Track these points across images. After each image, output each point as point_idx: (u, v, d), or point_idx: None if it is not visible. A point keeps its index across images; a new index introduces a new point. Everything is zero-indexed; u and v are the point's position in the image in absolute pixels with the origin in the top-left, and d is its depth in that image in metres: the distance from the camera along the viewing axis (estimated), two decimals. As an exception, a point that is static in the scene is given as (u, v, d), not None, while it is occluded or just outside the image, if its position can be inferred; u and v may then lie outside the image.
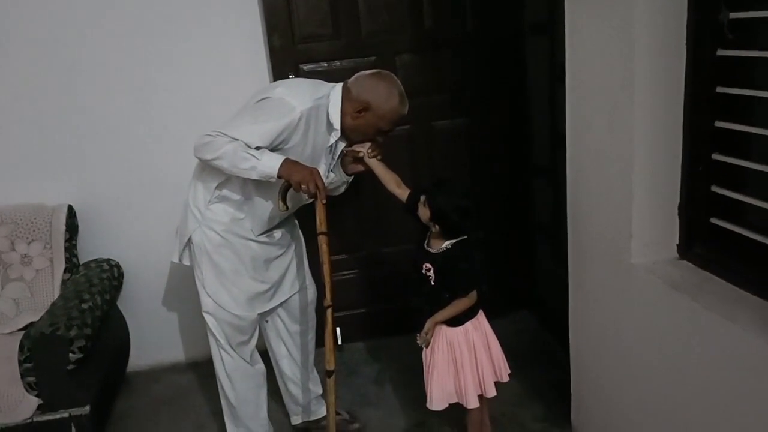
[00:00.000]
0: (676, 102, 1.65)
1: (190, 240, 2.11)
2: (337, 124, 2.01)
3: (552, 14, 2.58)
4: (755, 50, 1.49)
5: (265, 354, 2.37)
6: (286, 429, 2.50)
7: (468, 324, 2.00)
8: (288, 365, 2.36)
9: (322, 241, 1.93)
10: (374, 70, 2.09)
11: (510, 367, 2.09)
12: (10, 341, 2.40)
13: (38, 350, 2.20)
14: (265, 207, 2.06)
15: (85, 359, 2.25)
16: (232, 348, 2.17)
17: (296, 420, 2.47)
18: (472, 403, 2.00)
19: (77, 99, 2.74)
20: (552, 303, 2.94)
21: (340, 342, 2.98)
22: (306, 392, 2.41)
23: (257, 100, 1.99)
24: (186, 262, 2.18)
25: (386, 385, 2.73)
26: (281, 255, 2.21)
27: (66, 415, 2.28)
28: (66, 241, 2.67)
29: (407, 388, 2.65)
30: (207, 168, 2.02)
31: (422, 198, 1.97)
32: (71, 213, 2.71)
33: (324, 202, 1.91)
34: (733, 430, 1.45)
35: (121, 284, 2.80)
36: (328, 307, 1.91)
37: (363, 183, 2.88)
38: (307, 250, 2.35)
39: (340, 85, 2.04)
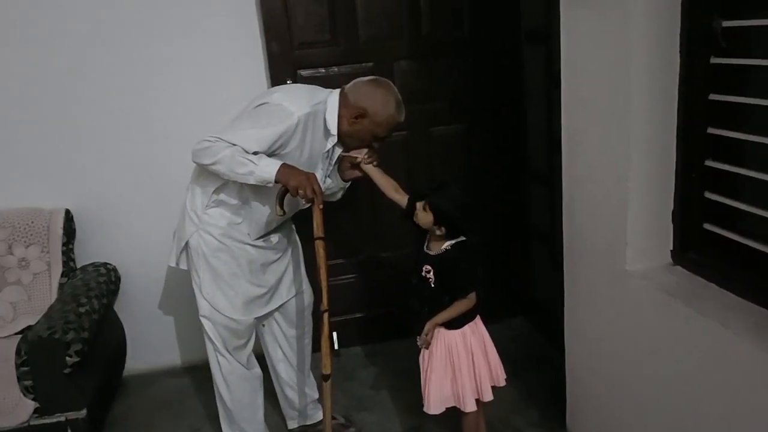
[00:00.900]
0: (670, 109, 1.67)
1: (187, 244, 2.11)
2: (334, 130, 2.03)
3: (548, 22, 2.60)
4: (748, 58, 1.50)
5: (261, 358, 2.38)
6: (283, 433, 2.51)
7: (466, 327, 2.01)
8: (284, 369, 2.37)
9: (319, 246, 1.94)
10: (372, 77, 2.10)
11: (506, 372, 2.10)
12: (7, 345, 2.40)
13: (35, 354, 2.21)
14: (263, 211, 2.07)
15: (81, 363, 2.26)
16: (228, 352, 2.17)
17: (292, 424, 2.47)
18: (470, 406, 2.01)
19: (76, 103, 2.74)
20: (548, 308, 2.96)
21: (336, 346, 2.99)
22: (302, 396, 2.41)
23: (255, 106, 2.00)
24: (183, 266, 2.19)
25: (382, 390, 2.74)
26: (278, 259, 2.21)
27: (62, 418, 2.28)
28: (63, 244, 2.68)
29: (403, 392, 2.65)
30: (204, 172, 2.03)
31: (422, 203, 1.97)
32: (69, 217, 2.72)
33: (321, 207, 1.92)
34: (726, 435, 1.46)
35: (118, 288, 2.81)
36: (325, 311, 1.91)
37: (359, 188, 2.90)
38: (303, 255, 2.36)
39: (337, 91, 2.06)
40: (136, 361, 2.97)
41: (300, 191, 1.87)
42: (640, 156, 1.70)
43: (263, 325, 2.32)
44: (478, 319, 2.05)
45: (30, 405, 2.26)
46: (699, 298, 1.58)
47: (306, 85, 2.22)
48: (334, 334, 2.98)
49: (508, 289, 3.13)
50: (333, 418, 2.15)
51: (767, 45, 1.47)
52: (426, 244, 2.04)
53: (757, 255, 1.50)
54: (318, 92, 2.07)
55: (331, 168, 2.16)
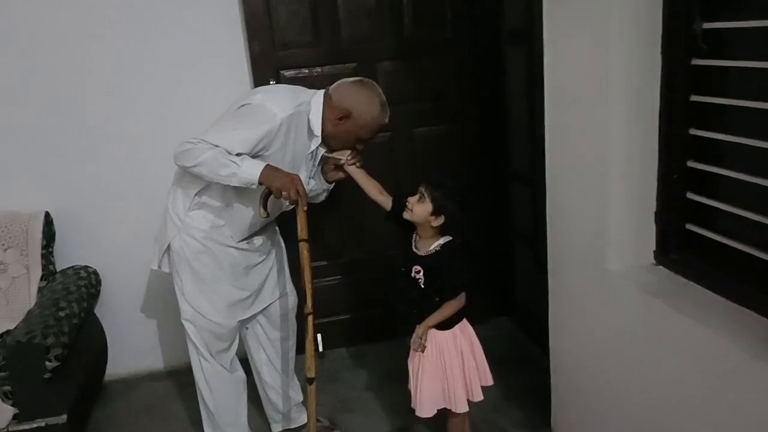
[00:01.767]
0: (652, 110, 1.68)
1: (169, 247, 2.09)
2: (318, 131, 2.02)
3: (530, 22, 2.61)
4: (729, 60, 1.52)
5: (245, 361, 2.36)
6: (267, 437, 2.49)
7: (456, 328, 2.01)
8: (268, 372, 2.35)
9: (303, 248, 1.92)
10: (356, 78, 2.09)
11: (491, 372, 2.10)
12: (-15, 350, 2.36)
13: (14, 358, 2.17)
14: (245, 214, 2.06)
15: (61, 368, 2.22)
16: (211, 355, 2.15)
17: (276, 428, 2.45)
18: (462, 407, 2.02)
19: (54, 105, 2.71)
20: (531, 308, 2.97)
21: (321, 349, 2.97)
22: (286, 400, 2.40)
23: (238, 107, 1.99)
24: (165, 269, 2.17)
25: (367, 391, 2.73)
26: (261, 262, 2.20)
27: (42, 424, 2.24)
28: (42, 248, 2.64)
29: (389, 394, 2.65)
30: (187, 175, 2.01)
31: (416, 195, 1.96)
32: (48, 220, 2.68)
33: (305, 208, 1.91)
34: (708, 433, 1.47)
35: (98, 291, 2.77)
36: (309, 314, 1.90)
37: (344, 190, 2.89)
38: (287, 257, 2.34)
39: (321, 92, 2.05)
40: (117, 366, 2.94)
41: (284, 193, 1.86)
42: (622, 156, 1.71)
43: (247, 328, 2.30)
44: (465, 320, 2.05)
45: (9, 411, 2.22)
46: (680, 297, 1.60)
47: (289, 86, 2.20)
48: (319, 336, 2.96)
49: (491, 288, 3.13)
50: (317, 420, 2.14)
51: (747, 46, 1.49)
52: (414, 244, 2.03)
53: (738, 255, 1.52)
54: (302, 93, 2.05)
55: (315, 169, 2.15)
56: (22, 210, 2.67)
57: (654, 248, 1.77)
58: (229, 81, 2.73)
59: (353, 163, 2.10)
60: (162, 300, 2.93)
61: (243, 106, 1.97)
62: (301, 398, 2.43)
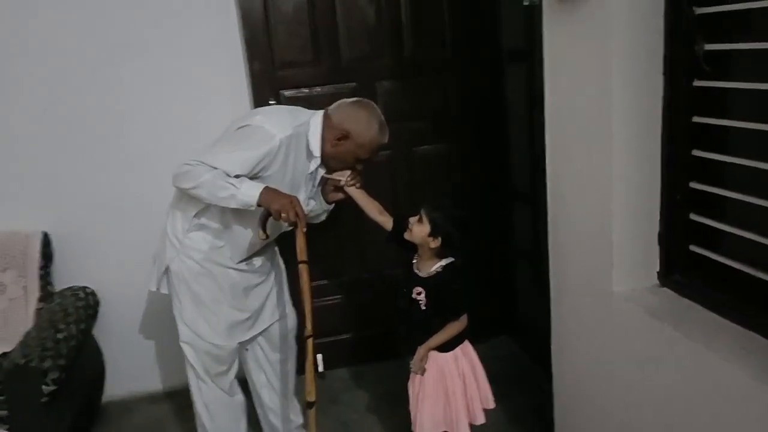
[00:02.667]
0: (654, 131, 1.67)
1: (168, 269, 2.07)
2: (317, 152, 2.01)
3: (529, 41, 2.61)
4: (731, 81, 1.51)
5: (244, 382, 2.33)
6: (266, 460, 2.45)
7: (457, 349, 1.99)
8: (268, 395, 2.33)
9: (303, 270, 1.91)
10: (355, 99, 2.09)
11: (492, 393, 2.08)
12: (-19, 373, 2.33)
13: (11, 382, 2.15)
14: (245, 235, 2.04)
15: (59, 391, 2.20)
16: (210, 378, 2.13)
17: (276, 451, 2.42)
18: (464, 430, 1.99)
19: (52, 125, 2.70)
20: (532, 327, 2.95)
21: (321, 369, 2.95)
22: (286, 422, 2.37)
23: (236, 128, 1.98)
24: (164, 290, 2.15)
25: (368, 413, 2.70)
26: (261, 283, 2.18)
27: (39, 449, 2.22)
28: (41, 268, 2.62)
29: (390, 416, 2.62)
30: (185, 196, 2.00)
31: (416, 216, 1.95)
32: (46, 240, 2.66)
33: (304, 230, 1.89)
34: (715, 459, 1.45)
35: (96, 313, 2.75)
36: (309, 337, 1.88)
37: (343, 208, 2.87)
38: (287, 278, 2.32)
39: (320, 113, 2.04)
40: (115, 387, 2.91)
41: (283, 215, 1.84)
42: (625, 177, 1.70)
43: (246, 350, 2.28)
44: (466, 341, 2.03)
45: (5, 436, 2.19)
46: (685, 320, 1.58)
47: (288, 107, 2.20)
48: (319, 357, 2.93)
49: (492, 307, 3.11)
50: (318, 444, 2.11)
51: (750, 68, 1.48)
52: (415, 265, 2.01)
53: (743, 277, 1.50)
54: (300, 114, 2.05)
55: (314, 190, 2.14)
56: (20, 230, 2.65)
57: (658, 270, 1.76)
58: (229, 100, 2.73)
59: (352, 185, 2.10)
60: (160, 321, 2.90)
61: (242, 127, 1.97)
62: (301, 420, 2.40)
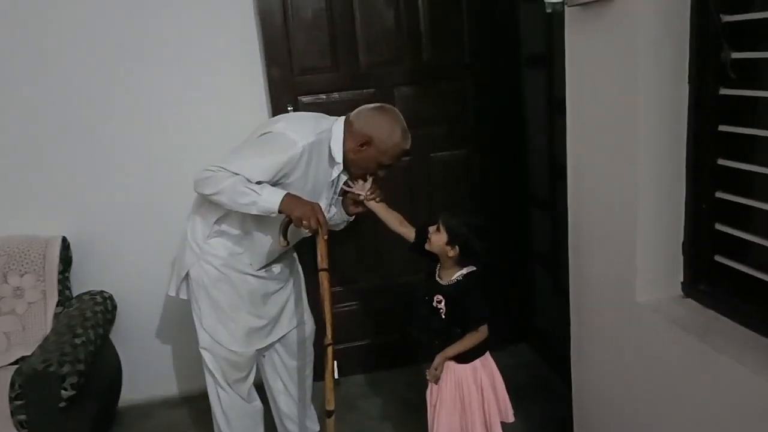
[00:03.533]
0: (680, 139, 1.64)
1: (187, 275, 2.07)
2: (339, 158, 2.01)
3: (549, 47, 2.59)
4: (758, 90, 1.49)
5: (261, 390, 2.33)
6: (283, 467, 2.44)
7: (477, 362, 1.97)
8: (285, 402, 2.32)
9: (323, 278, 1.90)
10: (377, 105, 2.08)
11: (512, 405, 2.06)
12: (0, 376, 2.35)
13: (30, 387, 2.14)
14: (264, 242, 2.04)
15: (77, 396, 2.19)
16: (228, 385, 2.13)
17: (293, 457, 2.41)
18: None
19: (72, 129, 2.72)
20: (550, 335, 2.92)
21: (336, 376, 2.93)
22: (303, 429, 2.37)
23: (258, 135, 1.98)
24: (183, 296, 2.15)
25: (385, 421, 2.69)
26: (280, 290, 2.18)
27: (57, 454, 2.22)
28: (59, 273, 2.63)
29: (405, 423, 2.61)
30: (206, 202, 2.00)
31: (435, 225, 1.94)
32: (65, 245, 2.67)
33: (325, 237, 1.89)
34: (743, 475, 1.42)
35: (114, 317, 2.75)
36: (329, 345, 1.87)
37: (361, 215, 2.87)
38: (306, 285, 2.32)
39: (342, 119, 2.04)
40: (131, 392, 2.91)
41: (304, 222, 1.84)
42: (650, 185, 1.67)
43: (264, 356, 2.28)
44: (487, 353, 2.01)
45: (23, 440, 2.19)
46: (712, 332, 1.55)
47: (310, 113, 2.19)
48: (335, 363, 2.92)
49: (509, 315, 3.09)
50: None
51: (778, 76, 1.46)
52: (437, 273, 2.00)
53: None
54: (322, 120, 2.04)
55: (335, 197, 2.13)
56: (39, 235, 2.67)
57: (682, 280, 1.73)
58: (247, 106, 2.74)
59: (372, 198, 2.08)
60: (177, 325, 2.92)
61: (264, 134, 1.96)
62: (317, 428, 2.40)
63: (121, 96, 2.72)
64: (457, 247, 1.91)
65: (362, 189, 2.08)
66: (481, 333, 1.93)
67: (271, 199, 1.84)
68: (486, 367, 1.99)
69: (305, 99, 2.75)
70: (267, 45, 2.69)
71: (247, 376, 2.17)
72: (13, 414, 2.16)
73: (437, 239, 1.93)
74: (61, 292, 2.63)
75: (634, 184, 1.68)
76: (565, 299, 2.15)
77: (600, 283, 1.93)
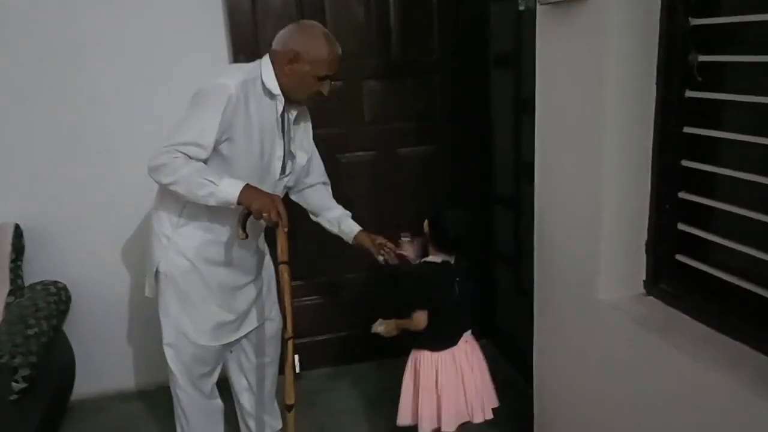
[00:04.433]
0: (645, 140, 1.67)
1: (157, 271, 2.01)
2: (276, 89, 1.92)
3: (518, 47, 2.61)
4: (722, 93, 1.52)
5: (223, 384, 2.28)
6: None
7: (453, 350, 2.07)
8: (248, 399, 2.28)
9: (284, 271, 1.86)
10: (294, 23, 2.00)
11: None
12: (-54, 368, 2.25)
13: (-22, 379, 2.07)
14: (232, 232, 1.99)
15: (28, 389, 2.12)
16: (190, 383, 2.07)
17: (253, 455, 2.37)
18: (448, 426, 2.05)
19: (25, 114, 2.63)
20: (512, 333, 2.95)
21: (297, 370, 2.91)
22: (265, 427, 2.32)
23: (189, 103, 1.91)
24: (151, 294, 2.09)
25: (346, 415, 2.67)
26: (249, 283, 2.13)
27: (6, 448, 2.14)
28: (11, 261, 2.53)
29: (368, 417, 2.59)
30: (168, 195, 1.94)
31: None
32: (18, 232, 2.58)
33: (285, 229, 1.85)
34: (699, 469, 1.45)
35: (68, 308, 2.67)
36: (290, 338, 1.84)
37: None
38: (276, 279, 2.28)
39: (266, 55, 1.97)
40: (84, 386, 2.82)
41: (264, 214, 1.80)
42: (615, 185, 1.70)
43: (231, 352, 2.23)
44: (469, 342, 2.12)
45: (-30, 434, 2.11)
46: (672, 330, 1.58)
47: (235, 64, 2.11)
48: (296, 357, 2.89)
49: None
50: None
51: (742, 79, 1.49)
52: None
53: (728, 287, 1.51)
54: (247, 64, 1.98)
55: (292, 143, 2.07)
56: (-9, 222, 2.57)
57: (644, 278, 1.76)
58: (212, 95, 2.67)
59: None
60: (133, 318, 2.87)
61: (195, 95, 1.89)
62: (279, 425, 2.36)
63: (80, 82, 2.64)
64: (429, 226, 2.05)
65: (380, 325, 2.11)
66: (413, 320, 2.01)
67: (228, 190, 1.80)
68: (468, 356, 2.10)
69: (272, 89, 2.70)
70: (234, 33, 2.64)
71: (212, 371, 2.12)
72: (-41, 407, 2.08)
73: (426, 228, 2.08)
74: (12, 281, 2.54)
75: (599, 183, 1.71)
76: (528, 297, 2.17)
77: (564, 281, 1.95)
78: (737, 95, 1.46)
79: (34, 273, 2.69)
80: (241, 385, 2.27)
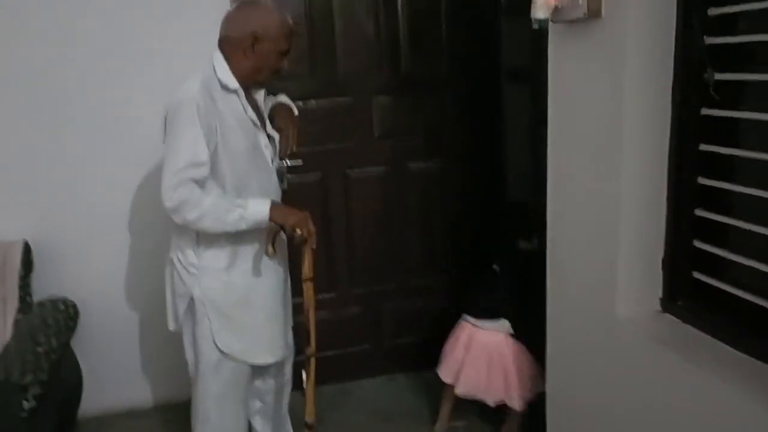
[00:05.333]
0: (661, 157, 1.68)
1: (192, 299, 1.95)
2: (233, 83, 1.88)
3: (533, 61, 2.62)
4: (739, 111, 1.53)
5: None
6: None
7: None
8: (260, 422, 2.24)
9: (309, 288, 1.87)
10: (234, 7, 1.97)
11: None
12: (-45, 386, 2.23)
13: (-11, 397, 2.05)
14: (255, 240, 1.95)
15: (38, 407, 2.10)
16: (233, 406, 2.03)
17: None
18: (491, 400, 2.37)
19: (34, 131, 2.62)
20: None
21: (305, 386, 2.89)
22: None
23: (165, 126, 1.87)
24: (177, 328, 2.05)
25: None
26: (284, 291, 2.12)
27: (15, 467, 2.12)
28: (20, 278, 2.52)
29: (377, 435, 2.59)
30: (179, 228, 1.91)
31: None
32: (27, 249, 2.57)
33: (314, 246, 1.85)
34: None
35: (76, 325, 2.64)
36: (312, 356, 1.84)
37: (334, 221, 2.86)
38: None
39: (216, 51, 1.93)
40: (92, 403, 2.79)
41: (298, 231, 1.80)
42: (631, 202, 1.70)
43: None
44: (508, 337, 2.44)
45: (-20, 453, 2.09)
46: (688, 347, 1.58)
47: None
48: (304, 374, 2.88)
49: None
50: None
51: (759, 98, 1.50)
52: None
53: (746, 305, 1.51)
54: (201, 69, 1.92)
55: (268, 127, 2.03)
56: (0, 239, 2.56)
57: (660, 295, 1.76)
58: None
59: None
60: (141, 335, 2.86)
61: (166, 122, 1.86)
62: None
63: (87, 99, 2.63)
64: None
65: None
66: None
67: (258, 210, 1.79)
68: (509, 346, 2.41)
69: (282, 105, 2.71)
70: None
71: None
72: (-31, 426, 2.06)
73: None
74: (21, 299, 2.52)
75: (616, 199, 1.71)
76: (543, 309, 2.17)
77: (579, 296, 1.95)
78: (753, 113, 1.47)
79: (42, 289, 2.68)
80: (254, 407, 2.23)
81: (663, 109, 1.65)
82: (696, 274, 1.68)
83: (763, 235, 1.43)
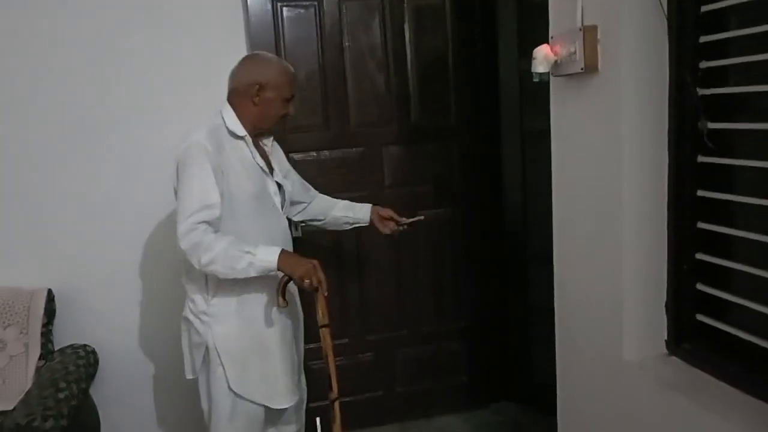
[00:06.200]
0: (661, 203, 1.73)
1: (206, 348, 2.01)
2: (241, 131, 1.99)
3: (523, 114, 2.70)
4: (734, 158, 1.58)
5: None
6: None
7: None
8: None
9: (326, 334, 1.90)
10: (241, 60, 2.08)
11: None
12: (-22, 432, 2.29)
13: (11, 443, 2.10)
14: (262, 282, 2.01)
15: (58, 452, 2.15)
16: None
17: None
18: None
19: (58, 179, 2.73)
20: (533, 393, 2.94)
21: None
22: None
23: (177, 174, 1.96)
24: (194, 375, 2.10)
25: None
26: (295, 333, 2.17)
27: None
28: (43, 326, 2.59)
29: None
30: (187, 274, 2.00)
31: None
32: (50, 297, 2.65)
33: (326, 294, 1.90)
34: None
35: (95, 371, 2.70)
36: (336, 399, 1.87)
37: (345, 266, 2.91)
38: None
39: (225, 104, 2.04)
40: (111, 448, 2.84)
41: (306, 281, 1.85)
42: (633, 247, 1.74)
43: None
44: None
45: (1, 499, 2.13)
46: (698, 390, 1.59)
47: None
48: (318, 420, 2.89)
49: (491, 373, 3.12)
50: None
51: (752, 145, 1.55)
52: None
53: (750, 346, 1.53)
54: (209, 119, 2.04)
55: (276, 174, 2.12)
56: (24, 287, 2.64)
57: (666, 338, 1.78)
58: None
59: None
60: (159, 383, 2.90)
61: (177, 171, 1.95)
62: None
63: (109, 150, 2.74)
64: None
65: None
66: None
67: (267, 258, 1.85)
68: None
69: (296, 156, 2.80)
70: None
71: None
72: (-9, 471, 2.11)
73: None
74: (43, 346, 2.59)
75: (618, 245, 1.75)
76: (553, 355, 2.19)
77: (587, 341, 1.97)
78: (747, 161, 1.52)
79: (62, 336, 2.75)
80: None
81: (660, 157, 1.70)
82: (700, 317, 1.70)
83: (764, 278, 1.46)
